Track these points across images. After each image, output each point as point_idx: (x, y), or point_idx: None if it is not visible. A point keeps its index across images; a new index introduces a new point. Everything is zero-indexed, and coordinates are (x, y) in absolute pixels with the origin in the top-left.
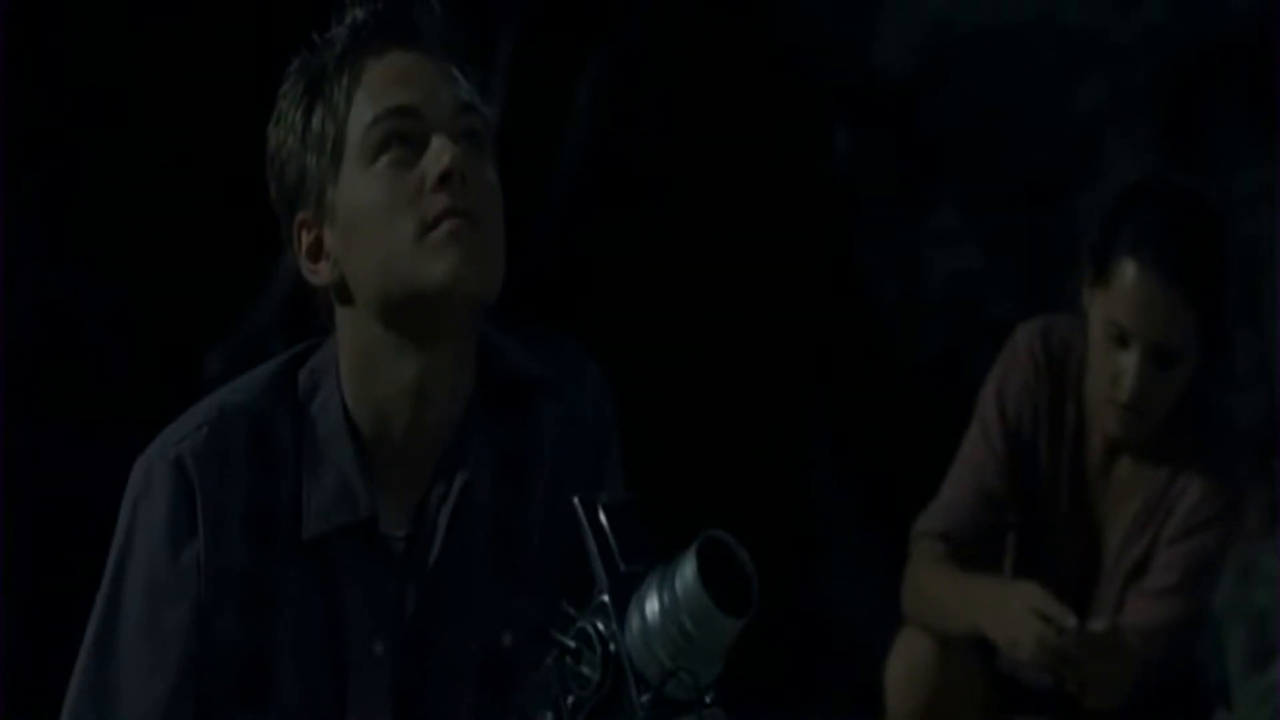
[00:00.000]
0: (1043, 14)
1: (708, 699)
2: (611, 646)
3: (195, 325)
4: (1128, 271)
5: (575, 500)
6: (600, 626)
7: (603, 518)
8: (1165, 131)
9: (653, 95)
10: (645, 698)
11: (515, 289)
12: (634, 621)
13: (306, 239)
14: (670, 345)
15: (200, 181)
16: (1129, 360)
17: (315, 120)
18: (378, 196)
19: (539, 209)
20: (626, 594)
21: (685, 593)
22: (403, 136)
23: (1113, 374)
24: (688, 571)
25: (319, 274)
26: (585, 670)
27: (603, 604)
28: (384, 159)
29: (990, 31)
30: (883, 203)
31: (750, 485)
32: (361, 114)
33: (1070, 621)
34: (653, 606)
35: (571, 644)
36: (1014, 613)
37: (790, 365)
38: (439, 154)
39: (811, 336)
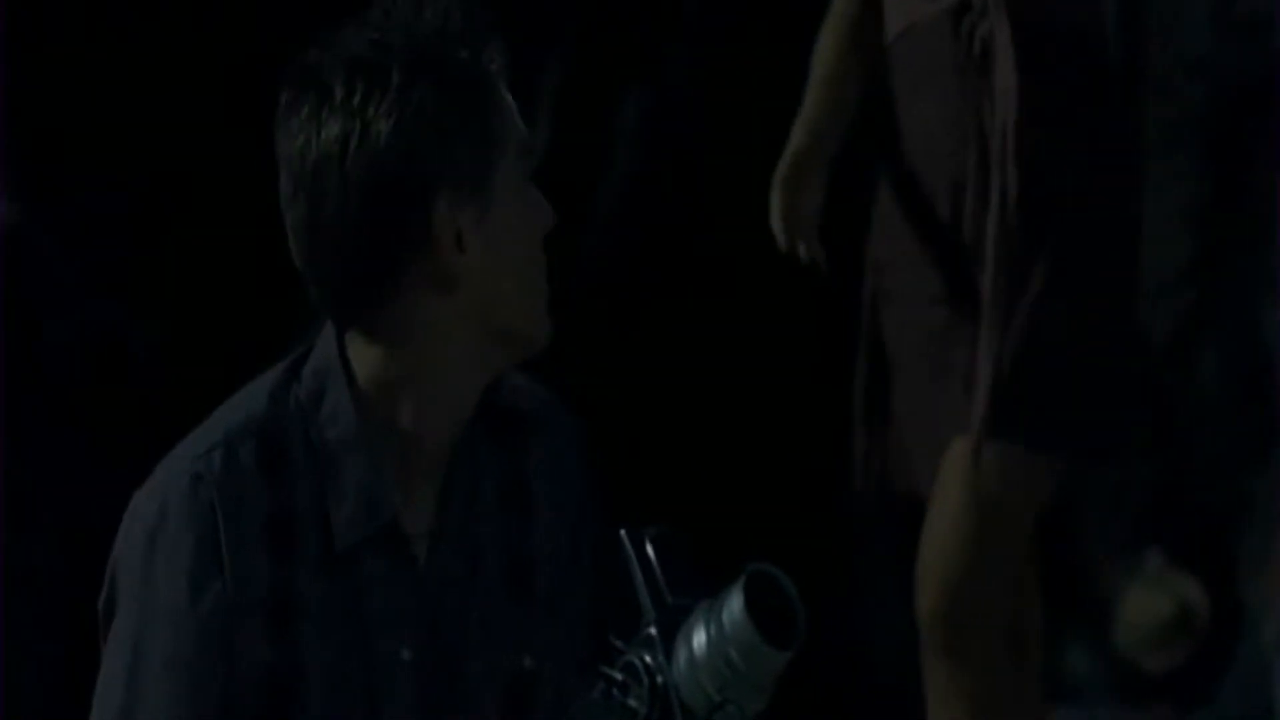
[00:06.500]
0: None
1: None
2: (659, 679)
3: (238, 356)
4: None
5: (621, 532)
6: (647, 659)
7: (649, 550)
8: (1207, 163)
9: (693, 124)
10: None
11: (554, 318)
12: (681, 654)
13: (446, 226)
14: (706, 376)
15: (244, 210)
16: None
17: (483, 114)
18: (532, 230)
19: (581, 237)
20: (673, 626)
21: (732, 625)
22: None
23: None
24: (734, 604)
25: (453, 264)
26: (632, 703)
27: (650, 636)
28: (533, 192)
29: None
30: None
31: (785, 521)
32: (511, 135)
33: None
34: (700, 639)
35: (619, 676)
36: None
37: (826, 398)
38: (549, 210)
39: (847, 368)
